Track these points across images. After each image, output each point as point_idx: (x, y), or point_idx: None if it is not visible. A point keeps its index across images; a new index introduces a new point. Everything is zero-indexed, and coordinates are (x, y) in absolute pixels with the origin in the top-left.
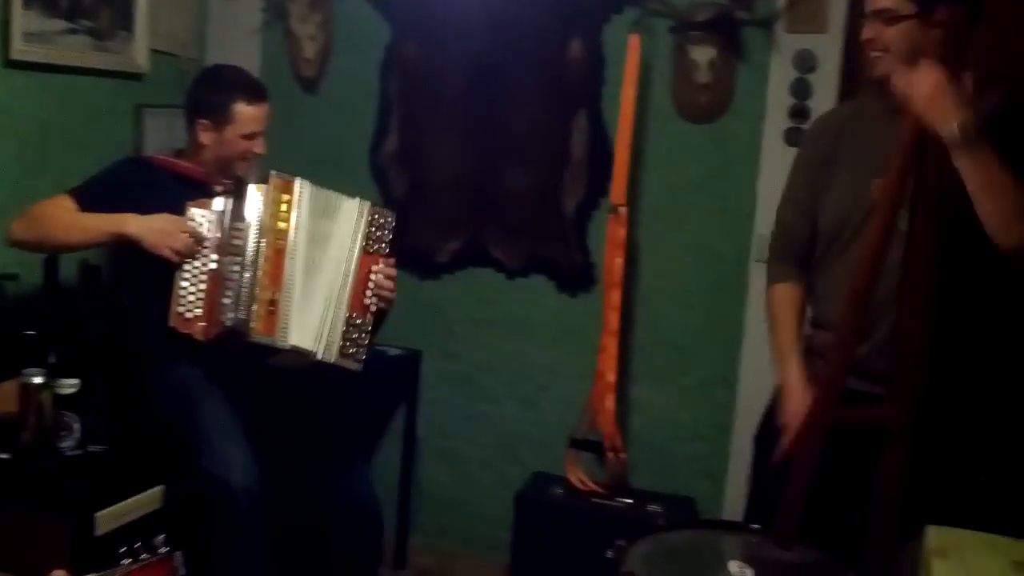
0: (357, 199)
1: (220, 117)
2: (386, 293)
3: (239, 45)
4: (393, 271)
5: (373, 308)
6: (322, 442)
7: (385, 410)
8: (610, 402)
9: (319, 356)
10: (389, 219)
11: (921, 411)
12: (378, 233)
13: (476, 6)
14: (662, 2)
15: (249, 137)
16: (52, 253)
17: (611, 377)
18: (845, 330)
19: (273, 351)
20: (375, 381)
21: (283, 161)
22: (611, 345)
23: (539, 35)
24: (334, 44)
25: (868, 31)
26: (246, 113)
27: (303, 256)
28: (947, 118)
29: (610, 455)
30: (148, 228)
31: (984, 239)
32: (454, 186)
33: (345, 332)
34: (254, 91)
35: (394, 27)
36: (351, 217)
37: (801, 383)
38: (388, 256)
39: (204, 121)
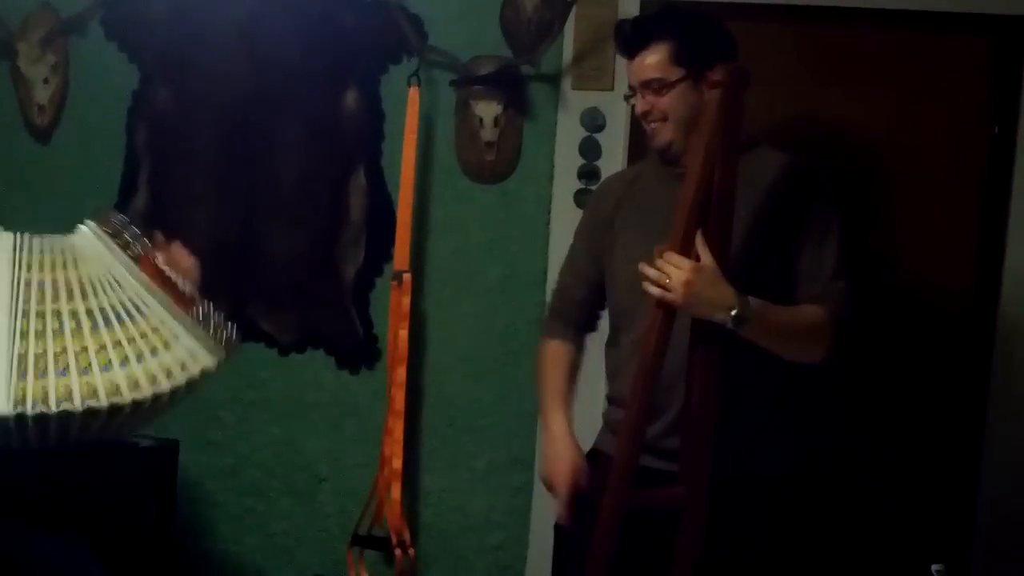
0: (81, 227)
1: None
2: (186, 268)
3: None
4: (170, 248)
5: (192, 288)
6: (50, 557)
7: (134, 512)
8: (396, 491)
9: (212, 365)
10: (120, 216)
11: (713, 488)
12: (128, 236)
13: (237, 48)
14: (442, 53)
15: None
16: None
17: (397, 463)
18: (635, 407)
19: None
20: (121, 478)
21: (12, 221)
22: (397, 427)
23: (310, 83)
24: (71, 89)
25: (642, 104)
26: None
27: (14, 318)
28: (715, 308)
29: (397, 552)
30: None
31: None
32: (213, 250)
33: (205, 327)
34: None
35: (142, 71)
36: (93, 246)
37: (566, 436)
38: (152, 243)
39: None
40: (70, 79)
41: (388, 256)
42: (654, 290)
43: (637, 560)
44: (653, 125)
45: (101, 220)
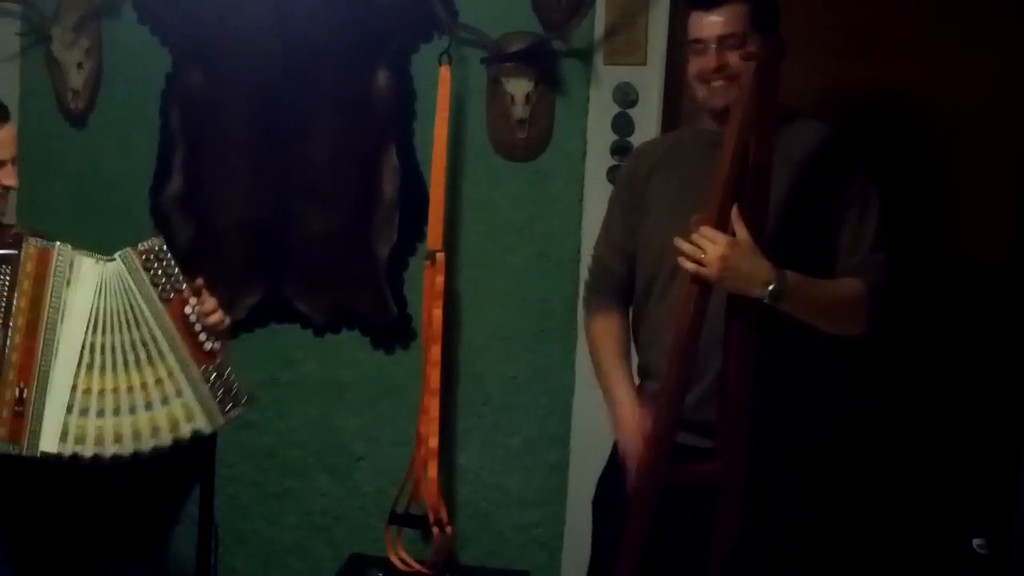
0: (116, 256)
1: None
2: (214, 323)
3: None
4: (207, 299)
5: (217, 347)
6: (99, 540)
7: (175, 494)
8: (433, 470)
9: (207, 429)
10: (161, 248)
11: (751, 463)
12: (162, 275)
13: (269, 31)
14: (473, 31)
15: None
16: None
17: (433, 442)
18: (671, 381)
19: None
20: (162, 462)
21: (48, 205)
22: (432, 406)
23: (341, 64)
24: (105, 74)
25: (714, 58)
26: None
27: (70, 340)
28: (751, 283)
29: (435, 530)
30: None
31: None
32: (249, 232)
33: (212, 389)
34: None
35: (174, 54)
36: (126, 277)
37: (632, 402)
38: (187, 286)
39: None
40: (104, 63)
41: (421, 235)
42: (689, 265)
43: (674, 538)
44: (718, 84)
45: (140, 249)
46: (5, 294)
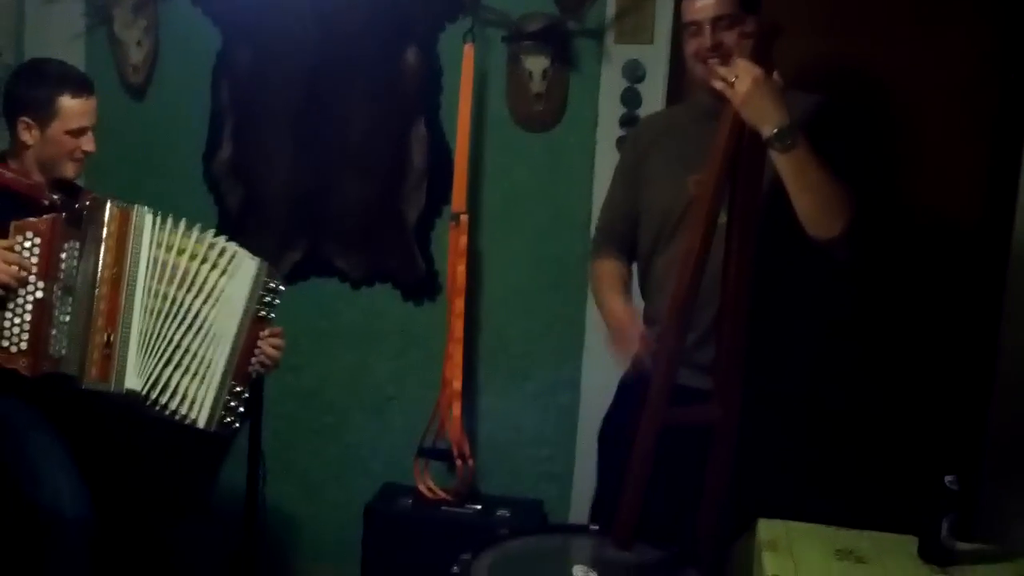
0: (257, 260)
1: (43, 113)
2: (269, 362)
3: (60, 51)
4: (281, 341)
5: (253, 375)
6: (153, 474)
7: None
8: (457, 409)
9: (200, 425)
10: (280, 286)
11: (745, 405)
12: (269, 300)
13: (309, 13)
14: (495, 12)
15: (76, 133)
16: None
17: (457, 384)
18: (673, 327)
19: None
20: None
21: (111, 171)
22: (456, 353)
23: (374, 43)
24: (162, 50)
25: (711, 39)
26: (72, 107)
27: (147, 292)
28: (765, 118)
29: (458, 462)
30: None
31: (799, 232)
32: (291, 196)
33: (227, 401)
34: (79, 83)
35: (224, 33)
36: (247, 278)
37: (625, 307)
38: (270, 323)
39: (26, 119)
40: (160, 41)
41: (447, 199)
42: (719, 84)
43: (671, 473)
44: (714, 62)
45: (273, 273)
46: (92, 249)
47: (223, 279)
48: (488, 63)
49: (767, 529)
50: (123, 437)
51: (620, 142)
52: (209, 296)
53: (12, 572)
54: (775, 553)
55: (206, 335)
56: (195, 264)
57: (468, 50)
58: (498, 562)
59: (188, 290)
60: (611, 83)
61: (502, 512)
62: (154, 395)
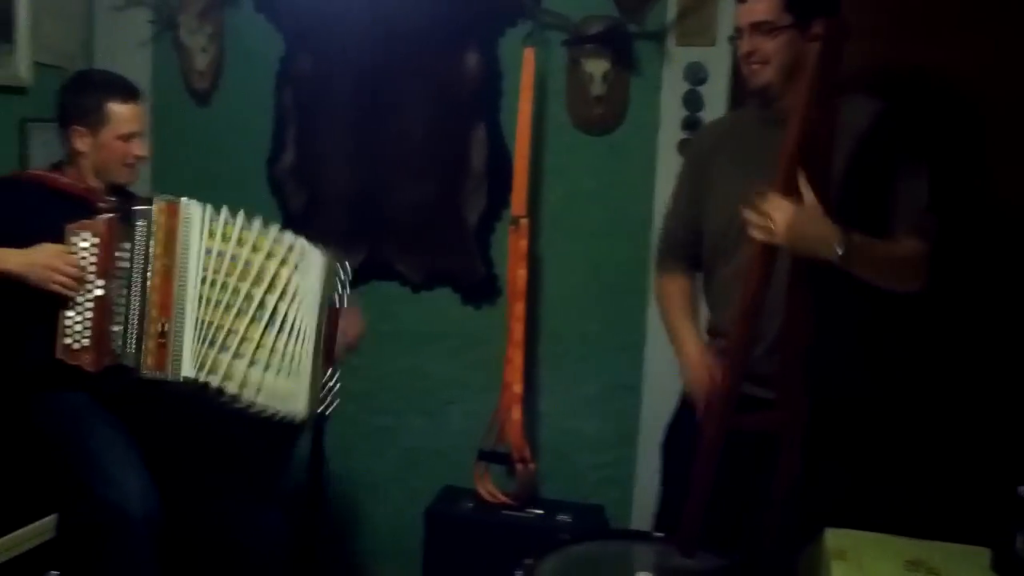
0: (324, 252)
1: (94, 120)
2: (353, 345)
3: (128, 57)
4: (359, 320)
5: (341, 357)
6: (224, 466)
7: (290, 432)
8: (517, 413)
9: (299, 419)
10: (348, 269)
11: (811, 413)
12: (340, 287)
13: (370, 19)
14: (555, 15)
15: (126, 138)
16: None
17: (517, 388)
18: (738, 337)
19: (165, 384)
20: None
21: (176, 176)
22: (516, 356)
23: (435, 47)
24: (226, 57)
25: (746, 44)
26: (121, 113)
27: (202, 282)
28: (819, 246)
29: (519, 466)
30: (31, 264)
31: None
32: (353, 200)
33: (320, 392)
34: (126, 90)
35: (287, 40)
36: (317, 271)
37: (699, 346)
38: (346, 298)
39: (78, 127)
40: (225, 47)
41: (506, 203)
42: (758, 234)
43: (735, 481)
44: (754, 66)
45: (344, 262)
46: (143, 244)
47: (296, 276)
48: (548, 66)
49: (835, 539)
50: (191, 430)
51: (682, 145)
52: (284, 293)
53: (76, 566)
54: (843, 563)
55: (289, 331)
56: (259, 257)
57: (528, 54)
58: (561, 567)
59: (255, 284)
60: (673, 86)
61: (563, 517)
62: (232, 390)
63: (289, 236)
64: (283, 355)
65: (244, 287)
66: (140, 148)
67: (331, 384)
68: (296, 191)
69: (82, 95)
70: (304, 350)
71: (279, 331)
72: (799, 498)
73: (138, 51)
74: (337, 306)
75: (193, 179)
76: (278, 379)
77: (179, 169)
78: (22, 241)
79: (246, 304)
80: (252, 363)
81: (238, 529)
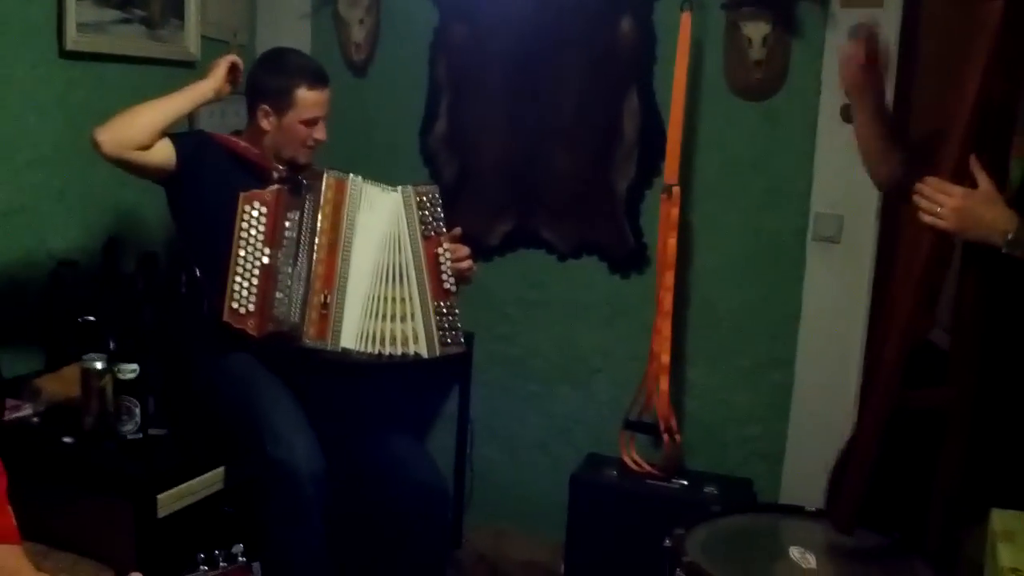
0: (399, 188)
1: (281, 102)
2: (462, 269)
3: (289, 30)
4: (460, 248)
5: (454, 289)
6: (381, 425)
7: (439, 392)
8: (665, 384)
9: (425, 356)
10: (435, 195)
11: (981, 393)
12: (430, 216)
13: None
14: None
15: (309, 123)
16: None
17: (666, 359)
18: (904, 311)
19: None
20: (428, 364)
21: (333, 145)
22: (665, 327)
23: (588, 14)
24: (382, 28)
25: None
26: (308, 98)
27: (359, 255)
28: (991, 232)
29: (665, 437)
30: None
31: None
32: (503, 169)
33: (438, 323)
34: (316, 76)
35: (441, 11)
36: (398, 209)
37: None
38: (446, 232)
39: (265, 106)
40: (381, 19)
41: (658, 171)
42: (926, 218)
43: (899, 457)
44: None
45: (419, 189)
46: (310, 217)
47: (365, 215)
48: (704, 31)
49: (1002, 520)
50: (344, 391)
51: (845, 111)
52: (375, 239)
53: (245, 521)
54: (1012, 545)
55: (395, 277)
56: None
57: (685, 18)
58: (711, 538)
59: (377, 246)
60: (837, 49)
61: (709, 489)
62: (373, 349)
63: (351, 180)
64: (395, 300)
65: (384, 259)
66: (321, 132)
67: (448, 323)
68: (448, 160)
69: (273, 75)
70: (409, 290)
71: (389, 280)
72: (965, 477)
73: (298, 24)
74: (429, 235)
75: (349, 149)
76: (392, 323)
77: (336, 139)
78: (197, 184)
79: (383, 268)
80: (393, 318)
81: (395, 486)
